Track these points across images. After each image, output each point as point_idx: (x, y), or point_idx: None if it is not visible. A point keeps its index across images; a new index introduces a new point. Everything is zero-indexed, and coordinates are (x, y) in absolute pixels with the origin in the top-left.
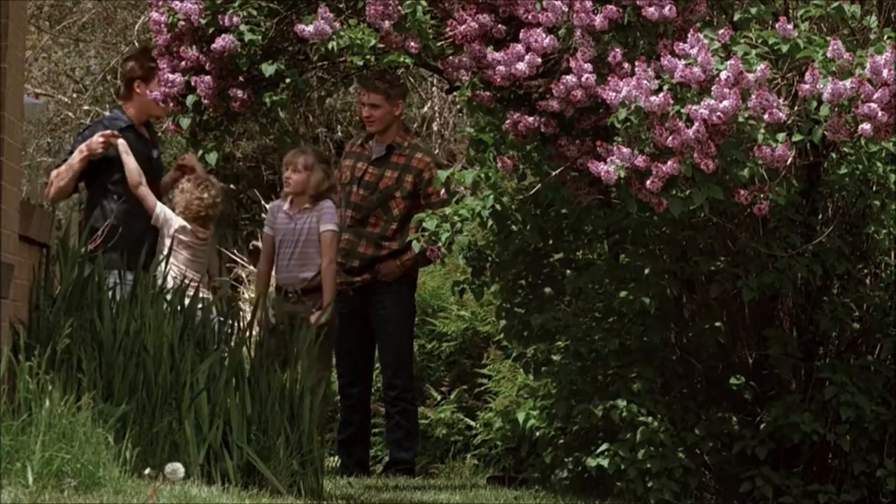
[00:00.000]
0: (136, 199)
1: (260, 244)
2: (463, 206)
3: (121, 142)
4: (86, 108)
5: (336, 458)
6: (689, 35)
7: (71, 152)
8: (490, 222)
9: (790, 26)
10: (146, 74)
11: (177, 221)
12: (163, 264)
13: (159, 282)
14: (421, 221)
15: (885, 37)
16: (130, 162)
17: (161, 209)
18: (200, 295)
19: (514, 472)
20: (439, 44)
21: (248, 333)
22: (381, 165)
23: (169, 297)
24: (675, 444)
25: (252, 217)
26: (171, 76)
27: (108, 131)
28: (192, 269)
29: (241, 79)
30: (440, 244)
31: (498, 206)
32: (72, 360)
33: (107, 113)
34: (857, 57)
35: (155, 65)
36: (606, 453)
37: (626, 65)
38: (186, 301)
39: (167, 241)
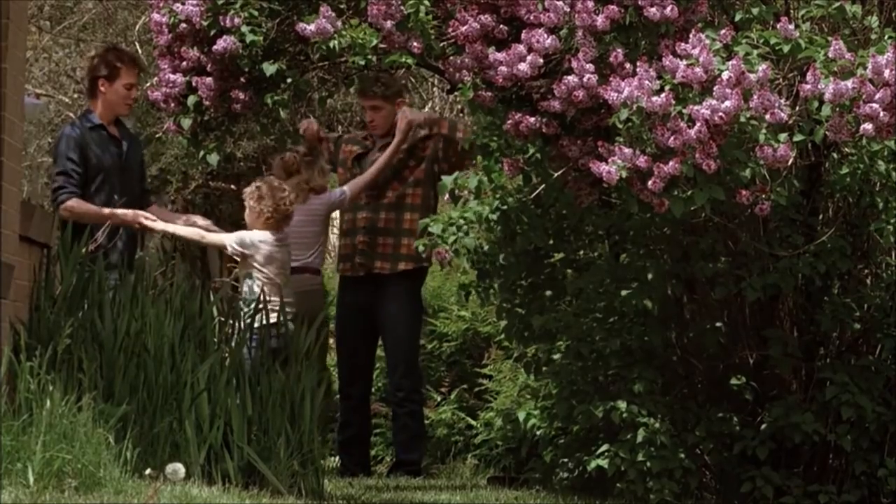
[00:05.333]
0: (109, 196)
1: None
2: (468, 209)
3: (159, 225)
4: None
5: (336, 458)
6: (690, 35)
7: (69, 158)
8: (496, 224)
9: (791, 26)
10: (110, 73)
11: (264, 236)
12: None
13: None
14: (427, 226)
15: (887, 37)
16: (182, 230)
17: (238, 238)
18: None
19: (514, 473)
20: (441, 44)
21: (248, 334)
22: None
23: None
24: (676, 445)
25: None
26: (172, 76)
27: (143, 218)
28: (285, 283)
29: (242, 80)
30: (447, 247)
31: (504, 207)
32: (72, 361)
33: (85, 111)
34: (858, 57)
35: (121, 64)
36: (607, 454)
37: (627, 65)
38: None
39: (257, 261)
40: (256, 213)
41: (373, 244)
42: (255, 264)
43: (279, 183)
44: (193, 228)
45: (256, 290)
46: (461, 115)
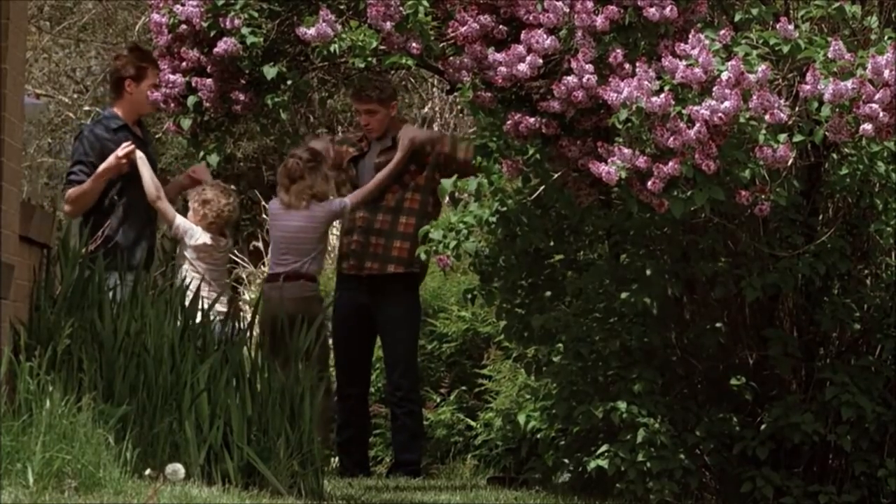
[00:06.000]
0: (132, 199)
1: (261, 245)
2: (468, 213)
3: (139, 154)
4: (86, 108)
5: (335, 458)
6: (690, 36)
7: (78, 162)
8: (496, 227)
9: (791, 27)
10: (138, 74)
11: (200, 234)
12: (184, 276)
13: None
14: (427, 233)
15: (886, 37)
16: (147, 176)
17: (181, 221)
18: (218, 307)
19: (514, 473)
20: (440, 45)
21: (248, 334)
22: (390, 154)
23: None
24: (676, 445)
25: (252, 217)
26: (171, 77)
27: (129, 146)
28: (213, 278)
29: (242, 81)
30: (448, 252)
31: (504, 209)
32: (72, 361)
33: (106, 112)
34: (858, 57)
35: (147, 64)
36: (607, 454)
37: (627, 65)
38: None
39: (188, 253)
40: (200, 215)
41: (366, 244)
42: (187, 255)
43: (226, 189)
44: (156, 185)
45: (186, 280)
46: (461, 115)
